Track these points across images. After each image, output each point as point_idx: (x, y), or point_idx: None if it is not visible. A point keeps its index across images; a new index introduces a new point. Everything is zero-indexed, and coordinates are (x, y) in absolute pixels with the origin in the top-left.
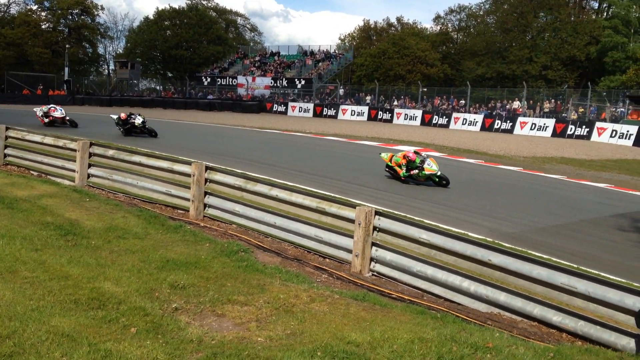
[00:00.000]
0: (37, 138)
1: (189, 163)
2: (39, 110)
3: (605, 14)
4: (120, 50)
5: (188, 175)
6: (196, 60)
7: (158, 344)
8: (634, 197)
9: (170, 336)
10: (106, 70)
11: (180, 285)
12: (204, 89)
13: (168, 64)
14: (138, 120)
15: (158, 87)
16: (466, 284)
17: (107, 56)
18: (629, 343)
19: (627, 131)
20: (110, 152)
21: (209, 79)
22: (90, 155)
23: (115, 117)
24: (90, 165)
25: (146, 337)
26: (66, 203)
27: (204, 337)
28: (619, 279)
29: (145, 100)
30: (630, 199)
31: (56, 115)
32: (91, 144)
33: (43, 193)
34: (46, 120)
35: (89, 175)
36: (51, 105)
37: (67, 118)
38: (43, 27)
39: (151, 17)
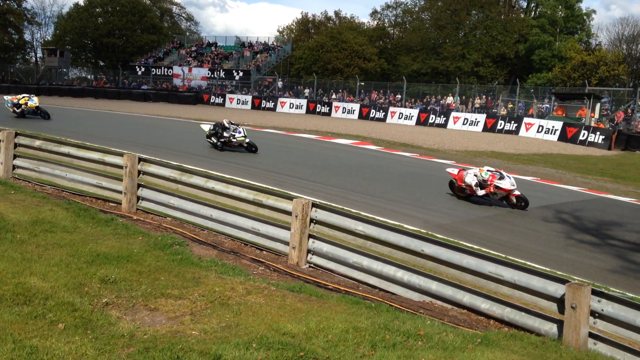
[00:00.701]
0: None
1: (121, 155)
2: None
3: (533, 13)
4: (49, 38)
5: (120, 167)
6: (129, 49)
7: (87, 340)
8: (558, 189)
9: (101, 331)
10: (33, 58)
11: (111, 280)
12: (138, 79)
13: (100, 52)
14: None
15: (89, 77)
16: (400, 274)
17: (34, 43)
18: (552, 328)
19: (553, 126)
20: (37, 143)
21: (143, 69)
22: (16, 145)
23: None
24: (15, 156)
25: (75, 332)
26: None
27: (136, 331)
28: (543, 268)
29: (75, 90)
30: (554, 192)
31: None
32: (16, 134)
33: None
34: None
35: (14, 167)
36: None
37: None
38: None
39: (81, 3)
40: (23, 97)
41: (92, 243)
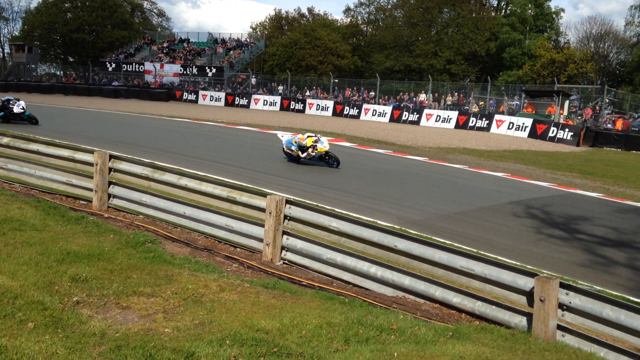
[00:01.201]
0: None
1: (91, 152)
2: None
3: (503, 12)
4: (17, 33)
5: (91, 164)
6: (100, 45)
7: (58, 339)
8: (528, 185)
9: (71, 330)
10: (1, 54)
11: (82, 278)
12: (109, 75)
13: (69, 48)
14: (18, 108)
15: (58, 73)
16: (374, 269)
17: (1, 39)
18: (521, 321)
19: (523, 123)
20: (5, 140)
21: (113, 65)
22: None
23: None
24: None
25: (45, 331)
26: None
27: (108, 330)
28: (513, 262)
29: (44, 86)
30: (525, 187)
31: None
32: None
33: None
34: None
35: None
36: None
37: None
38: None
39: None
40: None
41: (62, 241)
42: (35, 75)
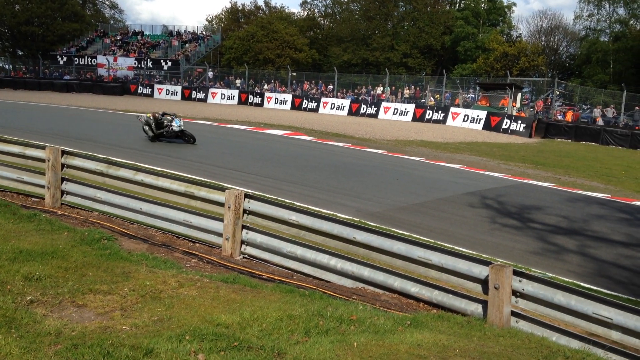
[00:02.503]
0: None
1: (43, 147)
2: None
3: (457, 6)
4: None
5: (42, 160)
6: (50, 37)
7: (11, 339)
8: (483, 176)
9: (25, 330)
10: None
11: (35, 277)
12: (60, 69)
13: (18, 41)
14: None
15: (7, 66)
16: (333, 261)
17: None
18: (477, 308)
19: (477, 116)
20: None
21: (65, 58)
22: None
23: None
24: None
25: None
26: None
27: (63, 328)
28: (469, 251)
29: None
30: (480, 179)
31: None
32: None
33: None
34: None
35: None
36: None
37: None
38: None
39: None
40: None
41: (14, 239)
42: None
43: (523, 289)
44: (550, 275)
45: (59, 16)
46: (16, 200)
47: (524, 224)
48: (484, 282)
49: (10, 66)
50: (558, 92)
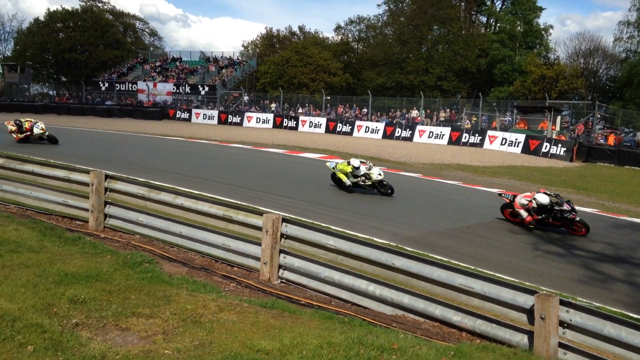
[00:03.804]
0: None
1: (87, 172)
2: None
3: (493, 29)
4: (9, 53)
5: (87, 184)
6: (92, 64)
7: None
8: None
9: (71, 353)
10: None
11: (80, 300)
12: (102, 95)
13: (62, 68)
14: (37, 129)
15: (51, 92)
16: (372, 287)
17: None
18: (522, 339)
19: (516, 139)
20: (0, 161)
21: (106, 84)
22: None
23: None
24: None
25: (45, 354)
26: None
27: (108, 352)
28: (512, 279)
29: (37, 106)
30: None
31: None
32: None
33: None
34: None
35: None
36: None
37: None
38: None
39: (42, 18)
40: (27, 120)
41: (60, 263)
42: (28, 95)
43: (570, 320)
44: (597, 304)
45: (101, 44)
46: (61, 224)
47: (568, 251)
48: (530, 312)
49: (55, 92)
50: (599, 116)
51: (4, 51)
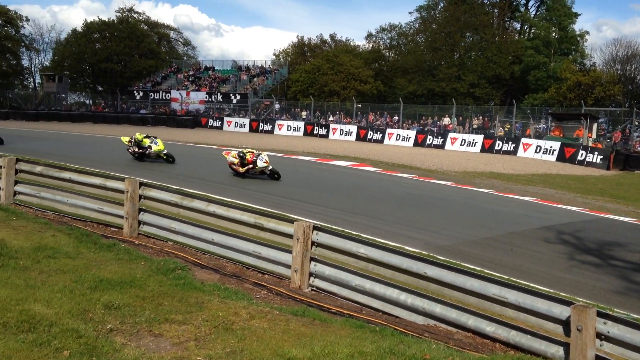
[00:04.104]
0: None
1: (122, 179)
2: None
3: (527, 35)
4: (47, 63)
5: (121, 191)
6: (127, 74)
7: None
8: (558, 210)
9: (106, 358)
10: (32, 84)
11: (114, 306)
12: (137, 103)
13: (98, 77)
14: (155, 146)
15: (87, 101)
16: (403, 296)
17: (32, 69)
18: (558, 351)
19: (551, 147)
20: (39, 169)
21: (141, 93)
22: (17, 171)
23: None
24: (16, 182)
25: (80, 359)
26: None
27: (141, 358)
28: (547, 289)
29: (74, 115)
30: (555, 212)
31: None
32: (17, 160)
33: None
34: None
35: (15, 193)
36: None
37: None
38: None
39: (79, 29)
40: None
41: (95, 268)
42: (65, 104)
43: (608, 332)
44: (636, 316)
45: (137, 53)
46: (97, 230)
47: (605, 261)
48: (565, 323)
49: (91, 101)
50: (637, 123)
51: (43, 61)
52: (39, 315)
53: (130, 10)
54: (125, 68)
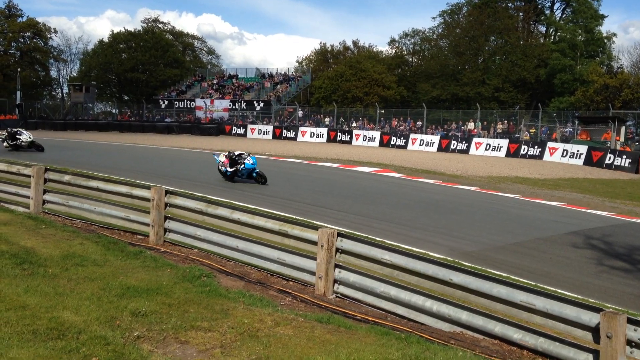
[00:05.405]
0: None
1: (148, 187)
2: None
3: (552, 38)
4: (75, 74)
5: (147, 199)
6: (153, 83)
7: None
8: (586, 215)
9: None
10: (60, 94)
11: (141, 313)
12: (162, 112)
13: (124, 87)
14: (25, 137)
15: (114, 111)
16: (429, 303)
17: (60, 79)
18: (587, 358)
19: (578, 151)
20: (67, 178)
21: (166, 102)
22: (46, 181)
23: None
24: (45, 191)
25: None
26: (21, 230)
27: None
28: (576, 295)
29: (100, 124)
30: (583, 217)
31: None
32: (46, 170)
33: None
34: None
35: (44, 202)
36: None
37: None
38: None
39: (106, 39)
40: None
41: (122, 276)
42: (92, 113)
43: (639, 339)
44: None
45: (162, 63)
46: (124, 238)
47: (635, 266)
48: (595, 330)
49: (117, 110)
50: None
51: (71, 72)
52: (67, 322)
53: (156, 20)
54: (151, 77)
